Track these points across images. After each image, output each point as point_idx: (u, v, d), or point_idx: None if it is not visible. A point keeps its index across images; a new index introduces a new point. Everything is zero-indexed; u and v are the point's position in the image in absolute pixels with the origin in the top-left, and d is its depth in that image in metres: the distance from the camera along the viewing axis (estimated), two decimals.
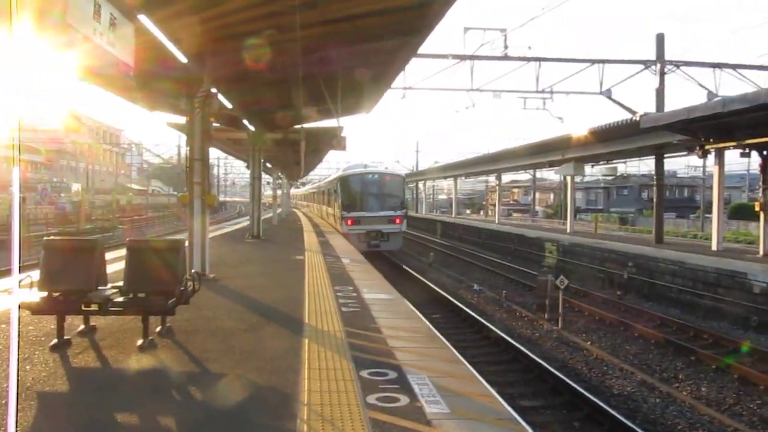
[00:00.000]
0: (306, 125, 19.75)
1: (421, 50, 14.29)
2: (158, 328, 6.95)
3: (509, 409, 5.03)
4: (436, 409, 4.71)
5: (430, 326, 8.17)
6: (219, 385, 5.45)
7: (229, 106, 15.07)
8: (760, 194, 18.61)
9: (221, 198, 79.13)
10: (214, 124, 16.49)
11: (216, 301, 9.36)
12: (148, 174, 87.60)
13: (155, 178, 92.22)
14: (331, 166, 70.82)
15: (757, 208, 18.60)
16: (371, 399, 4.91)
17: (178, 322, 7.30)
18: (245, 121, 18.91)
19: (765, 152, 17.62)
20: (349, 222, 26.44)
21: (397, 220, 26.75)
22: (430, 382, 5.36)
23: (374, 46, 12.66)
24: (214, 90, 12.29)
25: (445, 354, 6.66)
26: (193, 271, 10.76)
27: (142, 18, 7.51)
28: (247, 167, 26.90)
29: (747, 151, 18.47)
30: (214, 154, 48.97)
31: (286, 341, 6.85)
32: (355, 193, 27.53)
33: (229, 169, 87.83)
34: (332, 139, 24.33)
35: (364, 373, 5.57)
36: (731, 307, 14.80)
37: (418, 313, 9.17)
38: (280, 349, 6.50)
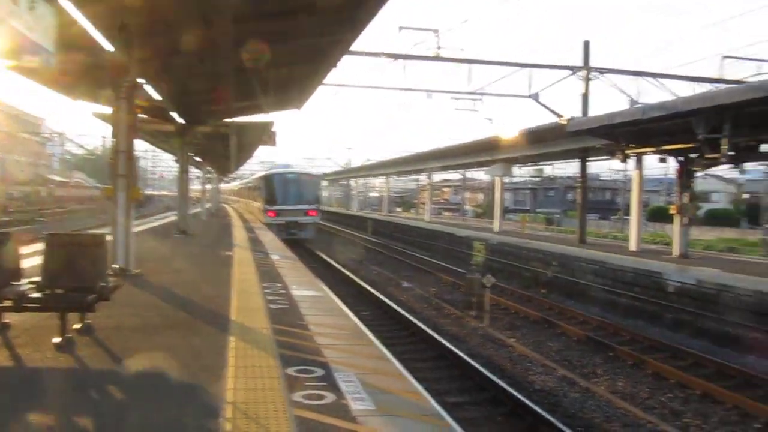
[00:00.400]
0: (236, 119, 19.43)
1: (354, 48, 14.30)
2: (77, 326, 6.69)
3: (435, 405, 5.10)
4: (362, 406, 4.73)
5: (359, 323, 8.18)
6: (140, 384, 5.31)
7: (158, 97, 14.65)
8: (676, 198, 19.50)
9: (148, 192, 76.82)
10: (142, 116, 16.01)
11: (140, 297, 9.09)
12: (70, 165, 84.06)
13: (78, 170, 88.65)
14: (262, 161, 70.32)
15: (672, 211, 19.50)
16: (297, 397, 4.88)
17: (99, 319, 7.05)
18: (174, 114, 18.40)
19: (681, 158, 18.44)
20: (271, 214, 30.28)
21: (312, 213, 30.86)
22: (356, 380, 5.38)
23: (307, 41, 12.57)
24: (141, 80, 11.92)
25: (373, 351, 6.69)
26: (115, 266, 10.46)
27: (64, 2, 7.22)
28: (176, 161, 26.29)
29: (664, 156, 19.34)
30: (142, 146, 47.45)
31: (212, 339, 6.72)
32: (276, 189, 31.50)
33: (158, 162, 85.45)
34: (263, 134, 24.15)
35: (291, 371, 5.53)
36: (647, 306, 15.46)
37: (347, 310, 9.18)
38: (206, 347, 6.37)
